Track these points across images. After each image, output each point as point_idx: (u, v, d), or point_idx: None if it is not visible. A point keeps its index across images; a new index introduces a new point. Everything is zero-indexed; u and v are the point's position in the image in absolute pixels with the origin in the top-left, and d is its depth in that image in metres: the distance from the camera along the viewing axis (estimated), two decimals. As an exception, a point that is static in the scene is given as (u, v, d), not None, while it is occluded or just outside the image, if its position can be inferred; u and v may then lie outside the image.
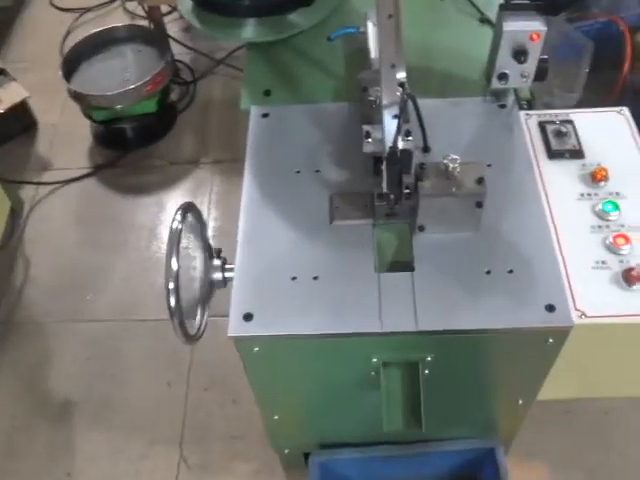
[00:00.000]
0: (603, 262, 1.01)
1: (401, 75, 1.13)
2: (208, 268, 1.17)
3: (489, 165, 1.15)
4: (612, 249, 1.02)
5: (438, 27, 1.44)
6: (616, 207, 1.07)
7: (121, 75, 2.17)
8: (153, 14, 2.31)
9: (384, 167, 1.05)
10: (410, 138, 1.06)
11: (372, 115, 1.15)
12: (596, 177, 1.11)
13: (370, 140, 1.10)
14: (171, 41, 2.48)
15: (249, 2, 1.41)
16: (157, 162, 2.23)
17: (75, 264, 1.99)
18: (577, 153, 1.16)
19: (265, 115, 1.29)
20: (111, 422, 1.67)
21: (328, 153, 1.20)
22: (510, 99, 1.26)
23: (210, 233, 1.99)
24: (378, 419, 1.07)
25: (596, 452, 1.52)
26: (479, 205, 1.02)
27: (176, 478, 1.58)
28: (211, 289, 1.17)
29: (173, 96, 2.37)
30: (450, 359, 1.05)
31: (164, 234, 2.03)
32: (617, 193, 1.10)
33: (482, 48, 1.25)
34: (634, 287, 0.98)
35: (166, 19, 2.55)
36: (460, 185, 1.01)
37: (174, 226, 1.11)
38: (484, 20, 1.44)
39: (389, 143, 1.03)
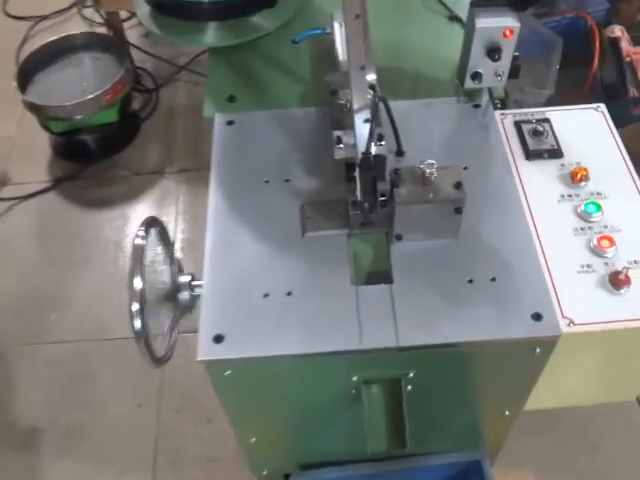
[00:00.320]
0: (588, 266, 0.97)
1: (371, 77, 1.09)
2: (176, 285, 1.11)
3: (465, 168, 1.10)
4: (597, 252, 0.98)
5: (406, 26, 1.40)
6: (598, 208, 1.03)
7: (79, 84, 2.09)
8: (111, 20, 2.23)
9: (357, 174, 0.99)
10: (383, 142, 1.01)
11: (343, 119, 1.10)
12: (576, 177, 1.07)
13: (341, 146, 1.04)
14: (131, 48, 2.40)
15: (209, 5, 1.35)
16: (121, 173, 2.15)
17: (37, 283, 1.91)
18: (555, 153, 1.12)
19: (230, 122, 1.22)
20: (80, 449, 1.60)
21: (298, 161, 1.15)
22: (484, 99, 1.22)
23: (178, 245, 1.92)
24: (360, 436, 1.02)
25: (583, 456, 1.49)
26: (458, 211, 0.97)
27: (150, 505, 1.51)
28: (180, 307, 1.10)
29: (135, 104, 2.30)
30: (434, 374, 1.00)
31: (131, 248, 1.95)
32: (598, 193, 1.06)
33: (452, 47, 1.20)
34: (621, 291, 0.94)
35: (125, 25, 2.47)
36: (438, 191, 0.96)
37: (137, 242, 1.05)
38: (453, 18, 1.40)
39: (361, 149, 0.98)
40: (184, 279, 1.10)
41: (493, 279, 0.97)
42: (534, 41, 1.91)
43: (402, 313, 0.94)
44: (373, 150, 0.98)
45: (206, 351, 0.93)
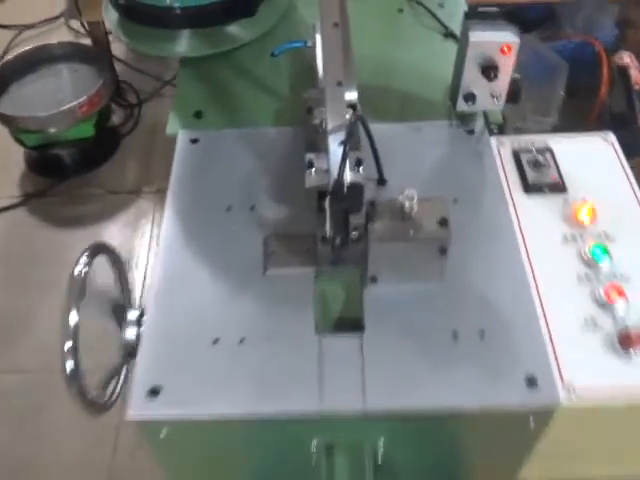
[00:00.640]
0: (593, 321, 0.83)
1: (351, 95, 0.96)
2: (122, 322, 0.97)
3: (455, 201, 0.97)
4: (604, 304, 0.84)
5: (396, 42, 1.28)
6: (606, 252, 0.89)
7: (55, 96, 1.97)
8: (93, 31, 2.11)
9: (327, 204, 0.86)
10: (361, 169, 0.88)
11: (317, 142, 0.96)
12: (581, 215, 0.94)
13: (313, 171, 0.91)
14: (116, 62, 2.29)
15: (181, 11, 1.23)
16: (95, 191, 2.02)
17: (-6, 306, 1.77)
18: (558, 186, 0.99)
19: (194, 141, 1.09)
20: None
21: (266, 187, 1.01)
22: (479, 123, 1.09)
23: (148, 271, 1.78)
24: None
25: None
26: (443, 251, 0.83)
27: None
28: (126, 346, 0.96)
29: (115, 119, 2.17)
30: (408, 442, 0.86)
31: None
32: (606, 234, 0.92)
33: (446, 65, 1.08)
34: (632, 353, 0.79)
35: (112, 37, 2.36)
36: (419, 227, 0.82)
37: (76, 272, 0.92)
38: (448, 34, 1.28)
39: (334, 175, 0.84)
40: (132, 315, 0.97)
41: (481, 332, 0.83)
42: (537, 64, 1.79)
43: (372, 369, 0.80)
44: (348, 177, 0.85)
45: (138, 406, 0.78)
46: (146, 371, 0.81)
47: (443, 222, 0.82)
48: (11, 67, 2.03)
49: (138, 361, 0.83)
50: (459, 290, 0.88)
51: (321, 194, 0.90)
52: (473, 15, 0.97)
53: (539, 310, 0.85)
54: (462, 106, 1.02)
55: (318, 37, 1.16)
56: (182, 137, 1.10)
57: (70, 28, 2.58)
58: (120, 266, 1.12)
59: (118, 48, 2.41)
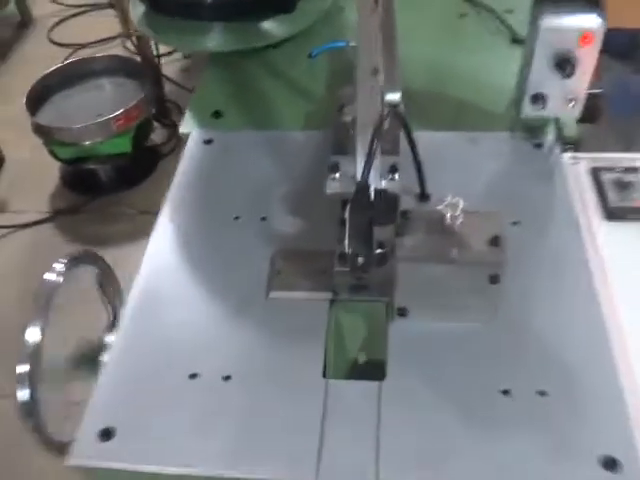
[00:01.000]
0: (697, 387, 0.61)
1: (393, 96, 0.78)
2: (99, 344, 0.81)
3: (515, 223, 0.77)
4: None
5: (456, 48, 1.10)
6: None
7: (95, 109, 1.88)
8: (143, 47, 2.03)
9: (347, 213, 0.68)
10: (396, 176, 0.71)
11: (346, 144, 0.79)
12: (679, 250, 0.72)
13: (337, 176, 0.73)
14: (166, 82, 2.21)
15: (214, 4, 1.10)
16: (126, 210, 1.90)
17: (7, 321, 1.64)
18: (647, 214, 0.78)
19: (208, 142, 0.94)
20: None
21: (282, 196, 0.84)
22: (549, 137, 0.89)
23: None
24: None
25: None
26: (494, 280, 0.63)
27: None
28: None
29: (157, 138, 2.07)
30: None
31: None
32: None
33: (512, 74, 0.90)
34: None
35: (166, 59, 2.29)
36: (464, 246, 0.63)
37: (46, 277, 0.79)
38: (517, 40, 1.09)
39: (358, 176, 0.67)
40: (110, 338, 0.80)
41: (542, 393, 0.62)
42: (625, 99, 1.57)
43: (390, 433, 0.60)
44: (380, 184, 0.68)
45: (83, 450, 0.61)
46: (100, 408, 0.64)
47: (496, 241, 0.62)
48: (54, 79, 1.96)
49: (94, 394, 0.65)
50: (514, 334, 0.67)
51: (345, 205, 0.73)
52: (547, -4, 0.78)
53: (620, 366, 0.63)
54: (528, 110, 0.83)
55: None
56: (195, 136, 0.94)
57: (125, 48, 2.53)
58: (111, 279, 0.97)
59: (170, 67, 2.34)
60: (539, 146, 0.89)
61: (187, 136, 0.96)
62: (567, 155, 0.87)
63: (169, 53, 2.37)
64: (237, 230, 0.81)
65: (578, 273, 0.72)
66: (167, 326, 0.71)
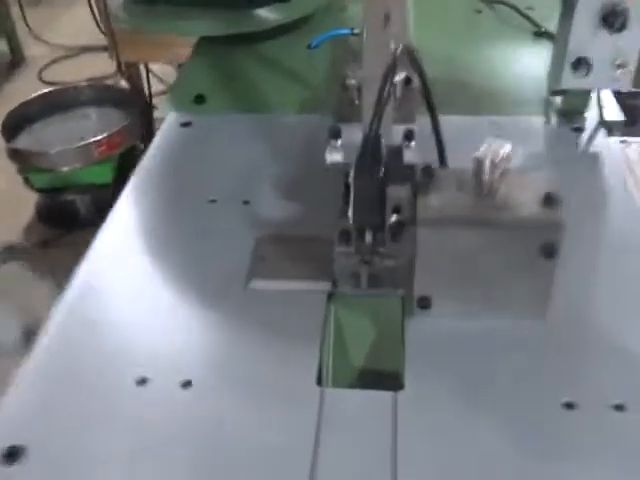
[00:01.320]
0: None
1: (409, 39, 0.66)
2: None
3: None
4: None
5: (479, 41, 0.97)
6: None
7: (77, 137, 1.74)
8: (130, 72, 1.92)
9: (351, 177, 0.52)
10: (412, 144, 0.56)
11: (350, 114, 0.65)
12: None
13: (338, 144, 0.59)
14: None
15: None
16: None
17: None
18: None
19: (186, 124, 0.79)
20: None
21: (269, 179, 0.69)
22: (590, 118, 0.75)
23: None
24: None
25: None
26: (549, 252, 0.47)
27: None
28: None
29: (143, 170, 1.93)
30: None
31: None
32: None
33: (538, 66, 0.78)
34: None
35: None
36: (507, 205, 0.47)
37: None
38: (541, 34, 0.97)
39: (366, 127, 0.52)
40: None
41: (618, 407, 0.45)
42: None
43: (411, 459, 0.43)
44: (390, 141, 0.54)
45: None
46: (10, 420, 0.46)
47: (550, 200, 0.47)
48: (35, 107, 1.84)
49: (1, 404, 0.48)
50: (575, 334, 0.51)
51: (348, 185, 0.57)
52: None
53: None
54: (569, 80, 0.69)
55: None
56: (171, 119, 0.80)
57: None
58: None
59: (160, 99, 2.23)
60: (579, 130, 0.74)
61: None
62: (614, 139, 0.73)
63: (163, 93, 2.27)
64: (211, 214, 0.65)
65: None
66: (112, 323, 0.54)
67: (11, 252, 1.75)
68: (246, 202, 0.66)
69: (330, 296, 0.55)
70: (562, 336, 0.51)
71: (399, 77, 0.63)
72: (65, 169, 1.66)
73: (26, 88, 2.59)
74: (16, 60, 2.75)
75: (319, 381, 0.49)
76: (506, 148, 0.46)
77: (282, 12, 0.97)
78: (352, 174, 0.52)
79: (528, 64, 0.90)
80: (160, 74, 2.08)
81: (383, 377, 0.51)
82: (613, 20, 0.64)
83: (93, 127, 1.82)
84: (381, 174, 0.51)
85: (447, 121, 0.59)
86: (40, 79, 2.61)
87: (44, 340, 0.53)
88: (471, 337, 0.51)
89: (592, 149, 0.72)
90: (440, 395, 0.47)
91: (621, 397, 0.45)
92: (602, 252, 0.59)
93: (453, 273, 0.50)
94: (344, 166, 0.57)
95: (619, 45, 0.66)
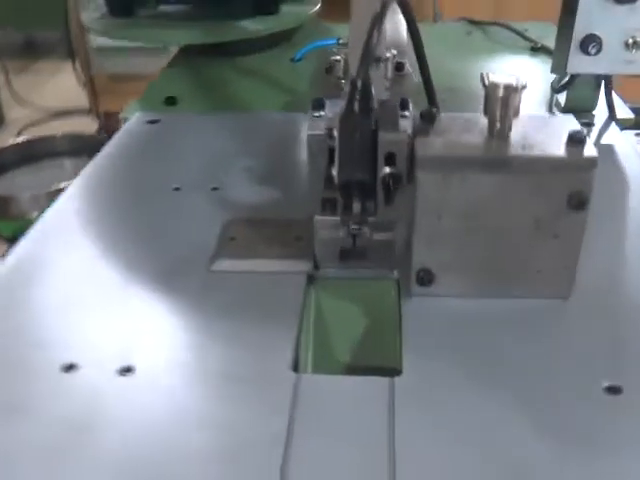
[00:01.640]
0: None
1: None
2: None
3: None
4: None
5: (474, 57, 0.92)
6: None
7: (50, 186, 1.66)
8: (109, 122, 1.87)
9: (336, 131, 0.44)
10: (407, 113, 0.48)
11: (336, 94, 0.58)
12: None
13: (322, 114, 0.51)
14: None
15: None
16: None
17: None
18: None
19: (153, 122, 0.72)
20: None
21: (242, 169, 0.61)
22: (597, 118, 0.68)
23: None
24: None
25: None
26: (578, 202, 0.38)
27: None
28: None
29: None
30: None
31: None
32: None
33: (539, 74, 0.73)
34: None
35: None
36: (526, 146, 0.39)
37: None
38: (537, 49, 0.92)
39: (352, 73, 0.44)
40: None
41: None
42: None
43: (414, 457, 0.32)
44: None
45: None
46: None
47: (576, 139, 0.39)
48: (9, 155, 1.77)
49: None
50: (608, 311, 0.41)
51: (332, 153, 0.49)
52: None
53: None
54: (576, 64, 0.63)
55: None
56: (137, 119, 0.72)
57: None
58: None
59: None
60: (588, 125, 0.67)
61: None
62: (627, 132, 0.66)
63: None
64: (174, 200, 0.56)
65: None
66: (47, 304, 0.44)
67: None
68: (215, 189, 0.57)
69: (310, 278, 0.46)
70: (595, 310, 0.41)
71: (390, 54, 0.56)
72: (35, 214, 1.57)
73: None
74: (-4, 121, 2.71)
75: (295, 367, 0.38)
76: (521, 80, 0.38)
77: (265, 24, 0.92)
78: (338, 125, 0.44)
79: (528, 71, 0.85)
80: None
81: (374, 370, 0.41)
82: (624, -10, 0.58)
83: (67, 177, 1.74)
84: (372, 123, 0.43)
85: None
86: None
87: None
88: (483, 317, 0.41)
89: (605, 142, 0.64)
90: (449, 376, 0.37)
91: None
92: (627, 236, 0.50)
93: (460, 236, 0.40)
94: (328, 133, 0.49)
95: (632, 21, 0.60)
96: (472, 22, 1.06)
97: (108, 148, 0.66)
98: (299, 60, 0.91)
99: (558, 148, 0.38)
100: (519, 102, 0.39)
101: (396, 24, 0.67)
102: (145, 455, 0.33)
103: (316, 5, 0.98)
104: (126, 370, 0.38)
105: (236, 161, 0.62)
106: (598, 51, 0.61)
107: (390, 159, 0.42)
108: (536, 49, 0.92)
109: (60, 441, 0.34)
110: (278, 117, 0.72)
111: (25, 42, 3.36)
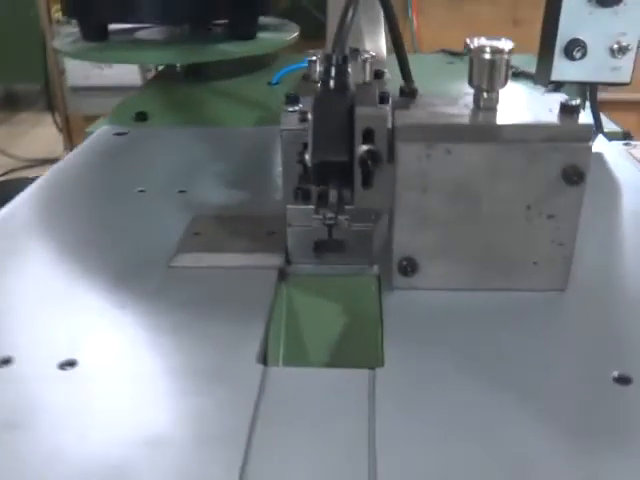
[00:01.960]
0: None
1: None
2: None
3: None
4: None
5: (458, 80, 0.91)
6: None
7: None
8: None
9: (311, 111, 0.41)
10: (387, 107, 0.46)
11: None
12: None
13: (297, 108, 0.48)
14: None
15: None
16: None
17: None
18: None
19: (121, 134, 0.68)
20: None
21: (212, 174, 0.57)
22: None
23: None
24: None
25: None
26: (572, 176, 0.35)
27: None
28: None
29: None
30: None
31: None
32: None
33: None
34: None
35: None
36: (516, 116, 0.35)
37: None
38: (518, 73, 0.91)
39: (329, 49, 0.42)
40: None
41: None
42: None
43: (397, 453, 0.28)
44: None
45: None
46: None
47: (571, 107, 0.35)
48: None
49: None
50: (609, 300, 0.38)
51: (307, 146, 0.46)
52: None
53: None
54: (560, 72, 0.61)
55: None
56: (104, 131, 0.69)
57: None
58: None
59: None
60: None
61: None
62: (616, 142, 0.64)
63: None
64: (137, 201, 0.52)
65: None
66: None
67: None
68: (182, 191, 0.54)
69: (282, 274, 0.42)
70: (591, 305, 0.37)
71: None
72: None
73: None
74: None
75: (264, 361, 0.34)
76: (507, 43, 0.36)
77: (241, 47, 0.90)
78: (312, 104, 0.41)
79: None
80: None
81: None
82: (608, -7, 0.56)
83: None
84: (348, 99, 0.39)
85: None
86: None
87: None
88: (475, 310, 0.37)
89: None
90: (439, 365, 0.32)
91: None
92: (623, 232, 0.47)
93: (446, 218, 0.37)
94: (301, 135, 0.45)
95: (616, 25, 0.58)
96: (451, 53, 1.06)
97: (71, 156, 0.62)
98: (277, 84, 0.89)
99: (551, 117, 0.35)
100: (507, 68, 0.36)
101: (377, 43, 0.66)
102: (86, 452, 0.28)
103: (294, 33, 0.97)
104: (68, 364, 0.33)
105: (205, 167, 0.58)
106: (583, 55, 0.59)
107: (368, 136, 0.38)
108: (517, 74, 0.91)
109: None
110: (251, 130, 0.69)
111: (5, 95, 3.36)
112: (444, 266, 0.38)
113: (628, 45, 0.59)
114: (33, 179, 1.68)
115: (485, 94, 0.36)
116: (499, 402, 0.30)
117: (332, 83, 0.40)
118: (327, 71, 0.40)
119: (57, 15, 1.59)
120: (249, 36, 0.93)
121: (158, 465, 0.27)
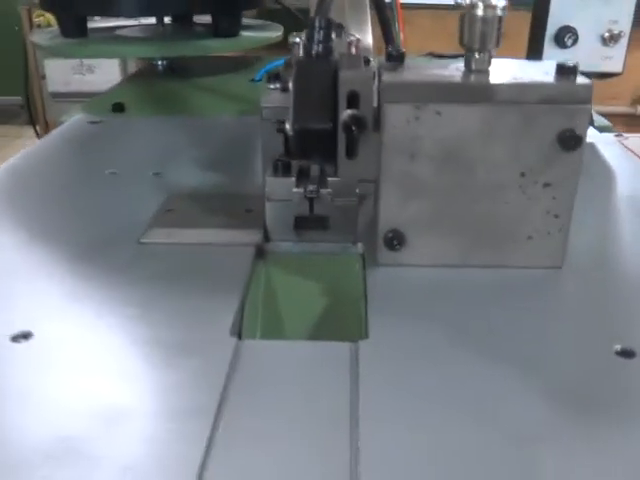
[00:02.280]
0: None
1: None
2: None
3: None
4: None
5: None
6: None
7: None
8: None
9: (293, 77, 0.38)
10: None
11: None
12: None
13: (278, 86, 0.46)
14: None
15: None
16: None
17: None
18: None
19: (95, 122, 0.65)
20: None
21: (188, 158, 0.54)
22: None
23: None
24: None
25: None
26: (569, 140, 0.33)
27: None
28: None
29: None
30: None
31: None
32: None
33: None
34: None
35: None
36: (510, 78, 0.33)
37: None
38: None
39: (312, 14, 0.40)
40: None
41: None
42: None
43: (373, 441, 0.25)
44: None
45: None
46: None
47: (568, 68, 0.33)
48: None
49: None
50: (606, 277, 0.35)
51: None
52: None
53: None
54: (550, 59, 0.59)
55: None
56: (78, 120, 0.66)
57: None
58: None
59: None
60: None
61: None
62: (607, 135, 0.62)
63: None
64: (110, 183, 0.49)
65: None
66: None
67: None
68: (157, 174, 0.51)
69: (260, 251, 0.39)
70: (589, 282, 0.35)
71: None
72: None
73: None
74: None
75: (239, 335, 0.31)
76: (500, 1, 0.34)
77: (223, 44, 0.88)
78: (294, 70, 0.38)
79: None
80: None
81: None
82: (598, -21, 0.55)
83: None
84: (331, 63, 0.37)
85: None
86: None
87: None
88: (468, 286, 0.35)
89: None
90: (430, 337, 0.30)
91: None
92: (617, 216, 0.45)
93: (436, 187, 0.34)
94: (282, 114, 0.43)
95: (607, 12, 0.57)
96: (439, 56, 1.05)
97: (40, 142, 0.59)
98: (260, 80, 0.87)
99: (548, 79, 0.33)
100: (501, 27, 0.34)
101: (364, 34, 0.64)
102: (36, 424, 0.25)
103: (278, 32, 0.95)
104: (22, 337, 0.30)
105: (183, 152, 0.55)
106: (574, 42, 0.58)
107: (353, 101, 0.36)
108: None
109: None
110: (231, 120, 0.67)
111: (-13, 109, 3.33)
112: (433, 239, 0.35)
113: (620, 32, 0.58)
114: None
115: (477, 54, 0.34)
116: (492, 375, 0.28)
117: (315, 49, 0.38)
118: (310, 37, 0.38)
119: (38, 20, 1.57)
120: (232, 34, 0.91)
121: (116, 439, 0.24)
